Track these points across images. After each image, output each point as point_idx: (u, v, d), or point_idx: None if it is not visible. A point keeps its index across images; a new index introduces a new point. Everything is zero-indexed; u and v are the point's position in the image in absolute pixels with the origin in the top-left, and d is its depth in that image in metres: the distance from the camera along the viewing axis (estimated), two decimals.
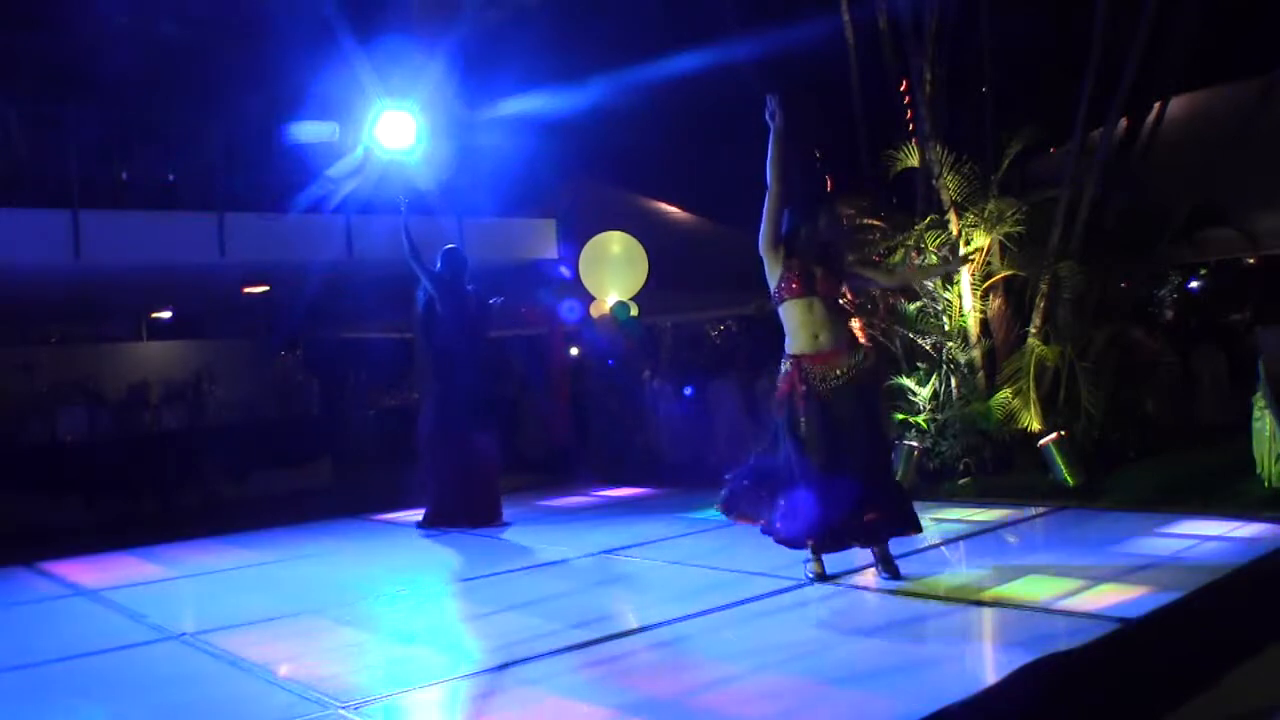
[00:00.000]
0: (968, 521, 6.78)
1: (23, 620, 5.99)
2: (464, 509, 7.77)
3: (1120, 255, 8.71)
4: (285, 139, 10.26)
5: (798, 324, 5.20)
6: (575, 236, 11.90)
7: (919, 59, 8.64)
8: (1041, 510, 6.98)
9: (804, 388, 5.11)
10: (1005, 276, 8.52)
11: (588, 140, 15.10)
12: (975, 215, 8.28)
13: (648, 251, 11.50)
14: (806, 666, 4.04)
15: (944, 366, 8.53)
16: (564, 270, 12.02)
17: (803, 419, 5.10)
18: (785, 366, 5.22)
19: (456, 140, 11.01)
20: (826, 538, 5.14)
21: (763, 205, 5.21)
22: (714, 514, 7.73)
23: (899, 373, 8.73)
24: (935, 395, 8.52)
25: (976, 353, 8.51)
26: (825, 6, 9.42)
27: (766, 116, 5.20)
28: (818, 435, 5.07)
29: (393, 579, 6.33)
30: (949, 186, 8.36)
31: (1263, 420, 7.17)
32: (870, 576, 5.49)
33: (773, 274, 5.24)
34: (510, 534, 7.54)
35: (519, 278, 12.92)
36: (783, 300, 5.22)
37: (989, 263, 8.50)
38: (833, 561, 5.40)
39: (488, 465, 7.93)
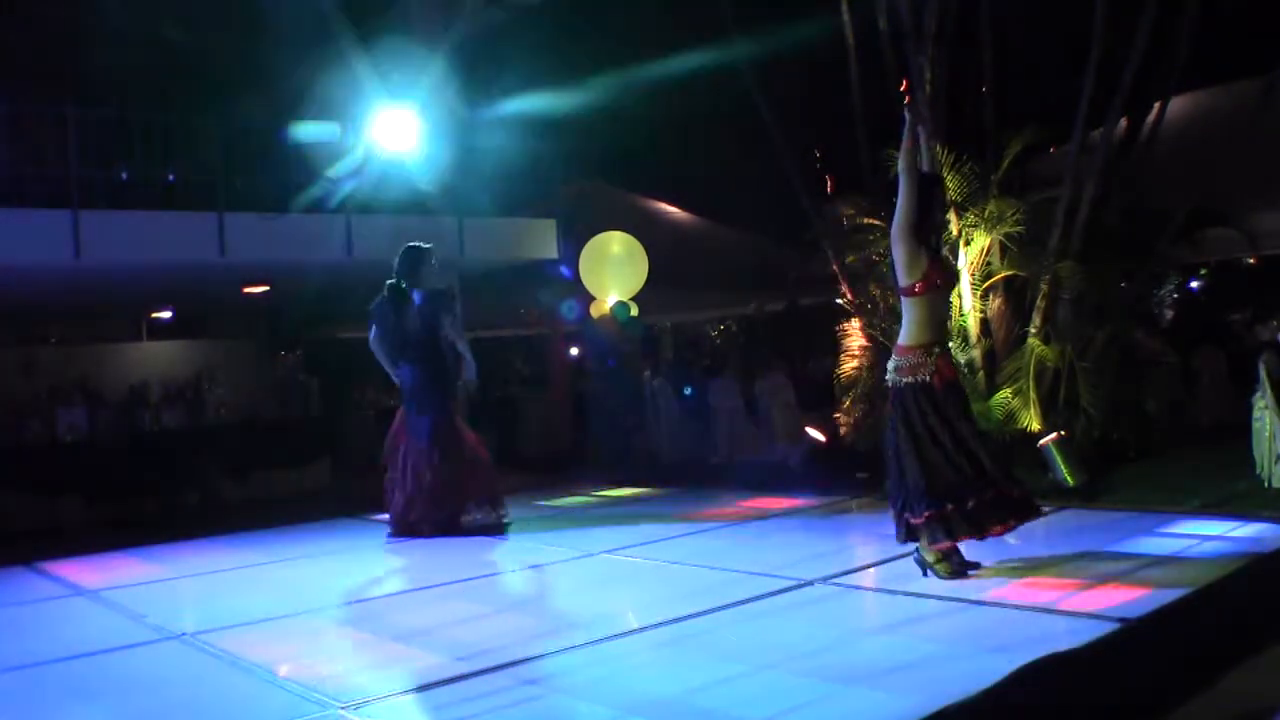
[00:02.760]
0: None
1: (23, 620, 5.98)
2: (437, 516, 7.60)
3: (1120, 255, 8.71)
4: (285, 139, 10.26)
5: (938, 316, 5.16)
6: (575, 236, 11.90)
7: (919, 59, 8.64)
8: (1042, 510, 6.97)
9: (948, 379, 5.07)
10: (1005, 276, 8.52)
11: (588, 140, 15.13)
12: (975, 215, 8.28)
13: (648, 251, 11.51)
14: (806, 666, 4.04)
15: None
16: (564, 270, 12.03)
17: (950, 409, 5.05)
18: (924, 358, 5.06)
19: (456, 140, 11.03)
20: (966, 525, 5.02)
21: (899, 192, 5.06)
22: (713, 513, 7.77)
23: None
24: None
25: (976, 352, 8.50)
26: (825, 6, 9.41)
27: (906, 110, 5.11)
28: (958, 425, 5.04)
29: (392, 580, 6.33)
30: (949, 186, 8.35)
31: (1263, 420, 7.17)
32: (870, 576, 5.50)
33: (913, 264, 5.06)
34: (510, 534, 7.52)
35: (519, 278, 12.94)
36: (923, 292, 5.08)
37: (989, 263, 8.50)
38: (833, 561, 5.39)
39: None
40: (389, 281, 7.57)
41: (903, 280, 5.12)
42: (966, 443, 5.02)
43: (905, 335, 5.16)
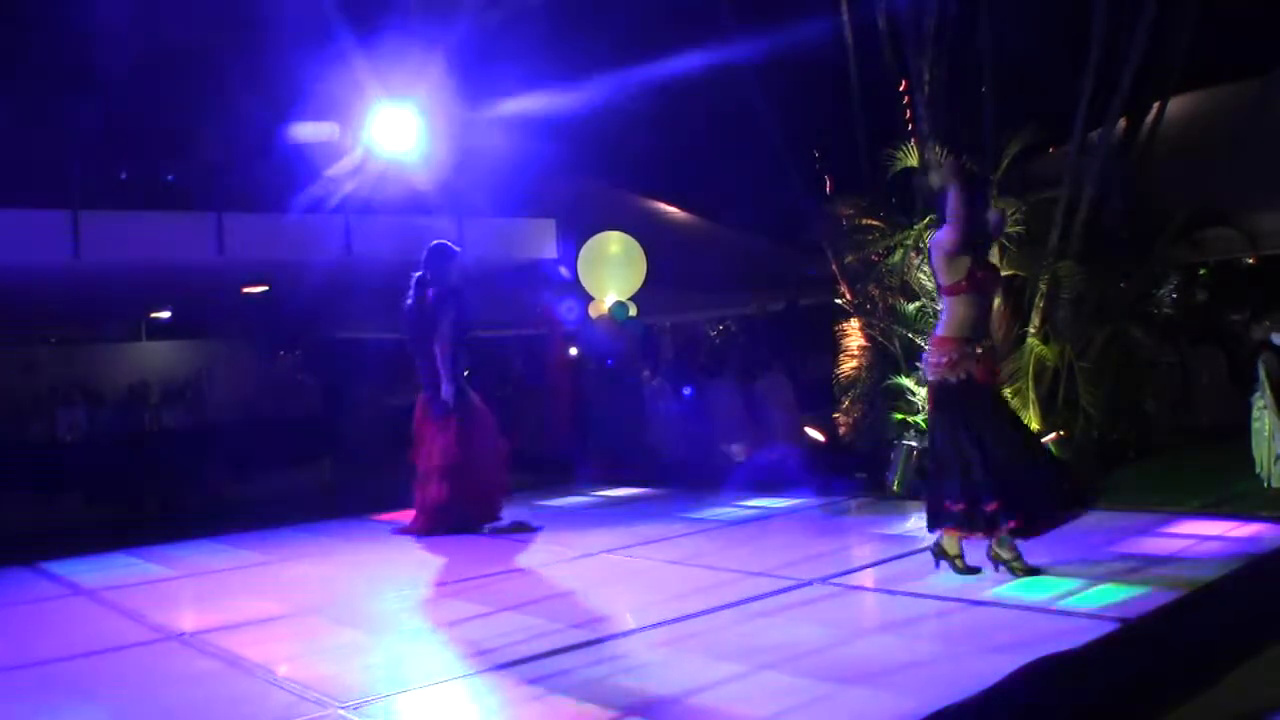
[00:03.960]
0: None
1: (23, 620, 5.98)
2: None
3: (1120, 255, 8.71)
4: (285, 139, 10.27)
5: (977, 315, 5.15)
6: (575, 236, 11.90)
7: (919, 59, 8.64)
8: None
9: (975, 375, 5.07)
10: (1005, 276, 8.51)
11: (588, 140, 15.11)
12: None
13: (647, 251, 11.50)
14: (806, 666, 4.04)
15: None
16: (563, 270, 12.03)
17: (979, 404, 5.07)
18: (967, 350, 5.07)
19: (456, 140, 11.03)
20: (977, 523, 5.07)
21: (949, 214, 5.06)
22: (714, 514, 7.77)
23: (898, 372, 8.73)
24: None
25: None
26: (825, 7, 9.41)
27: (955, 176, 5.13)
28: (986, 421, 5.06)
29: (392, 579, 6.32)
30: None
31: (1262, 420, 7.18)
32: (870, 576, 5.50)
33: (955, 265, 5.08)
34: (511, 534, 7.51)
35: (519, 278, 12.94)
36: (965, 291, 5.09)
37: None
38: (833, 561, 5.40)
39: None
40: (416, 275, 7.59)
41: (944, 280, 5.13)
42: (998, 446, 5.03)
43: (943, 328, 5.17)
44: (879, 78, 9.11)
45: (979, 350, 5.13)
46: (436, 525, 7.49)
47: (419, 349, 7.58)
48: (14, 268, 9.03)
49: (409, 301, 7.58)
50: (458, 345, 7.53)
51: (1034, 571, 5.12)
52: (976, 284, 5.11)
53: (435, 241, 7.69)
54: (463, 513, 7.50)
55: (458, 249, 7.69)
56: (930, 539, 5.35)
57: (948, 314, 5.19)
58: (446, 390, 7.43)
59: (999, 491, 4.99)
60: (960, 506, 5.05)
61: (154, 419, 11.31)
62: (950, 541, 5.27)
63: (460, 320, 7.58)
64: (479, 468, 7.55)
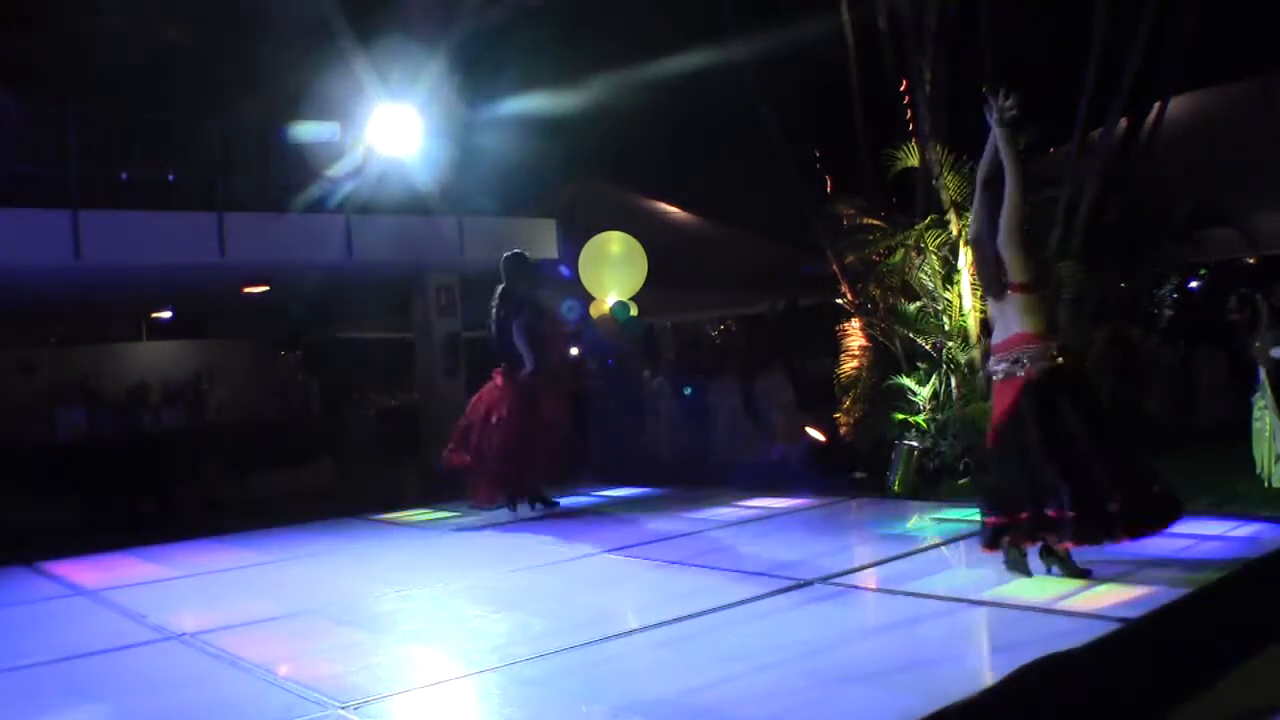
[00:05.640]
0: (968, 521, 6.75)
1: (23, 620, 5.98)
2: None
3: (1120, 255, 8.71)
4: (285, 139, 10.27)
5: (1053, 311, 5.11)
6: (575, 236, 11.91)
7: (919, 59, 8.65)
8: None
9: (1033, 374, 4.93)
10: None
11: (588, 140, 15.12)
12: None
13: (648, 251, 11.51)
14: (806, 666, 4.04)
15: (944, 366, 8.53)
16: (564, 270, 12.03)
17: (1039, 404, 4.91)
18: (1051, 346, 4.94)
19: (456, 140, 11.03)
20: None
21: (1006, 192, 4.89)
22: (714, 514, 7.77)
23: (899, 372, 8.73)
24: (935, 395, 8.52)
25: (976, 353, 8.50)
26: (825, 6, 9.42)
27: (992, 118, 4.94)
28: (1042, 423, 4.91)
29: (393, 579, 6.32)
30: (949, 186, 8.35)
31: (1263, 420, 7.17)
32: (870, 576, 5.50)
33: (1027, 263, 4.93)
34: (511, 534, 7.53)
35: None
36: (1037, 290, 4.97)
37: None
38: (833, 561, 5.39)
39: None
40: (500, 288, 8.07)
41: (1019, 278, 4.95)
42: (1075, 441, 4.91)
43: (1033, 326, 4.98)
44: (879, 78, 9.12)
45: (1060, 343, 5.03)
46: (502, 490, 8.05)
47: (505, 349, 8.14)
48: (14, 268, 9.02)
49: (500, 309, 8.11)
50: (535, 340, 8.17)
51: (1085, 574, 4.98)
52: (1045, 282, 5.01)
53: (508, 253, 8.16)
54: (527, 481, 8.13)
55: (531, 256, 8.31)
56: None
57: (1029, 316, 4.95)
58: (530, 363, 8.07)
59: (1116, 489, 4.84)
60: (1071, 514, 4.77)
61: (154, 419, 11.30)
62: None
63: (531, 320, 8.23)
64: (538, 443, 8.10)
